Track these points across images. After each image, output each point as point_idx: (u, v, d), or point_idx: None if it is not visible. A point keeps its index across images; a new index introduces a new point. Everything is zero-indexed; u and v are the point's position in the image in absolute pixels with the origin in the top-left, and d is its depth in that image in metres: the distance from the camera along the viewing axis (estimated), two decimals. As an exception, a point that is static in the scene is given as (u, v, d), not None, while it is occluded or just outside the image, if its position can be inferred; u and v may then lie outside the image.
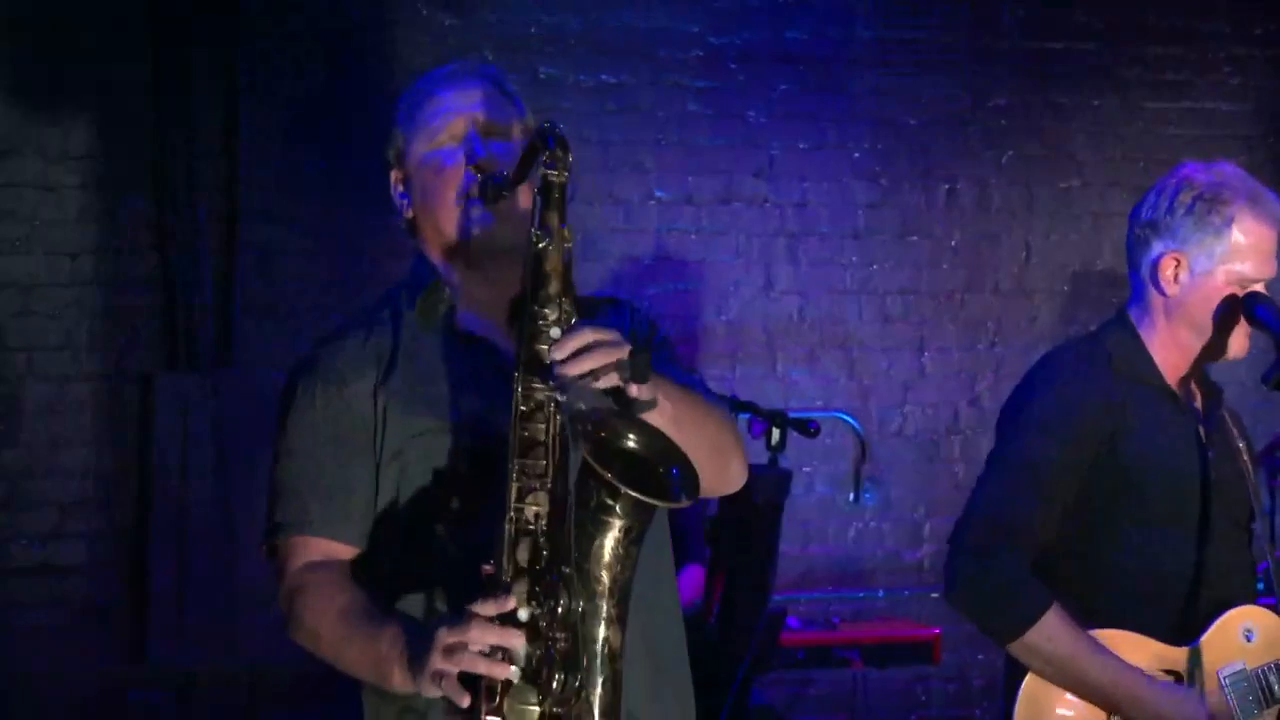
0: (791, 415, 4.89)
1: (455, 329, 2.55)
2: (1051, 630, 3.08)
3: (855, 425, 5.74)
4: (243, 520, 5.24)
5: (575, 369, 2.25)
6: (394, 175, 2.63)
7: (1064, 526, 3.18)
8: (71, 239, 5.38)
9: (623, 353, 2.28)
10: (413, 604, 2.46)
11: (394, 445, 2.49)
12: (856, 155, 6.20)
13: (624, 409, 2.31)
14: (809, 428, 4.83)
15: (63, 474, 5.39)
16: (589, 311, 2.47)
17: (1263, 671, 3.21)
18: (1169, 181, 3.27)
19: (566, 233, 2.36)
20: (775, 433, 4.80)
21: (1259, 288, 3.22)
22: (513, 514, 2.29)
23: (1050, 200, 6.38)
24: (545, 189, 2.36)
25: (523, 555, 2.28)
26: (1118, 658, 3.11)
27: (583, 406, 2.28)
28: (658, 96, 5.96)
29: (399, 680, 2.32)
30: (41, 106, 5.35)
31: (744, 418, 4.87)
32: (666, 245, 5.93)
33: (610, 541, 2.25)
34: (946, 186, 6.30)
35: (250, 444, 5.26)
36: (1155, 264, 3.24)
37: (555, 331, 2.31)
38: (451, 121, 2.55)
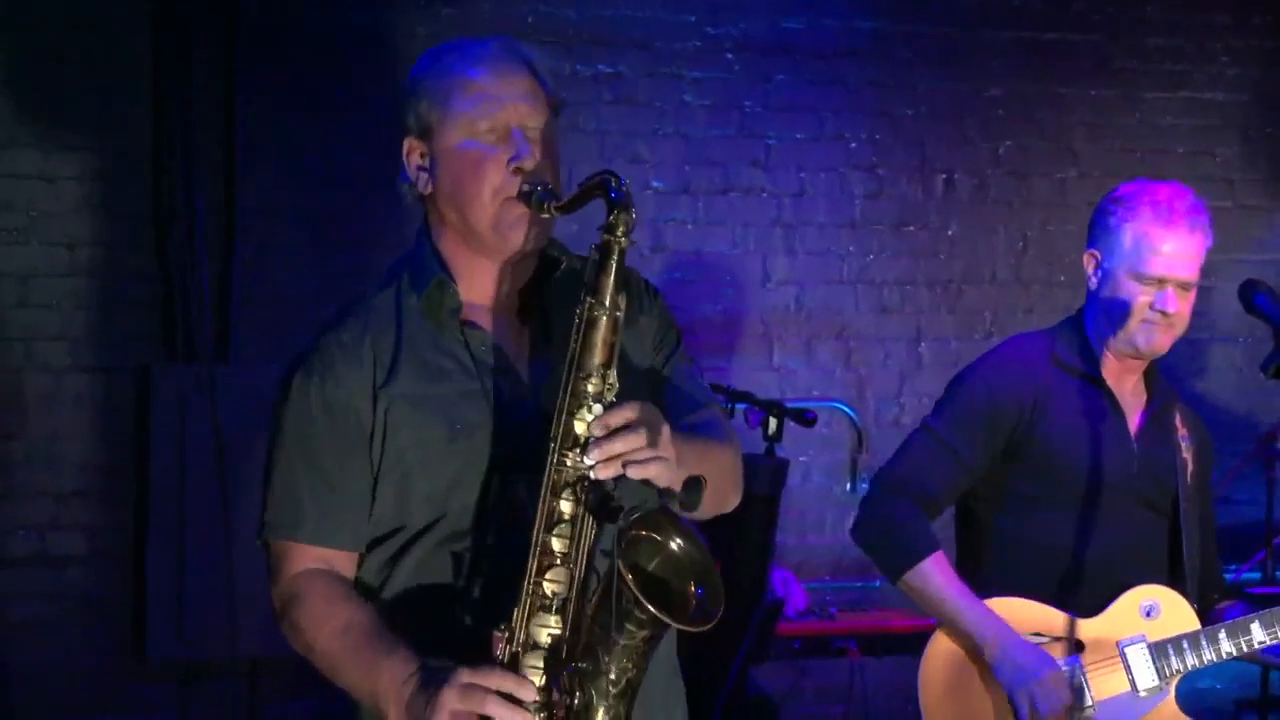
0: (788, 405, 4.89)
1: (463, 329, 2.49)
2: (927, 574, 3.48)
3: (852, 415, 5.75)
4: (240, 513, 5.23)
5: (612, 449, 2.25)
6: (411, 143, 2.53)
7: (983, 501, 3.57)
8: (69, 230, 5.38)
9: (661, 433, 2.27)
10: (409, 622, 2.43)
11: (395, 452, 2.45)
12: (853, 146, 6.20)
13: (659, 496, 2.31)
14: (806, 417, 4.84)
15: (60, 465, 5.39)
16: (628, 291, 2.38)
17: (1161, 645, 3.48)
18: (1110, 191, 3.59)
19: (621, 301, 2.32)
20: (772, 422, 4.81)
21: (1168, 288, 3.47)
22: (530, 587, 2.27)
23: (1047, 191, 6.38)
24: (603, 253, 2.32)
25: (537, 632, 2.27)
26: (986, 608, 3.44)
27: (620, 500, 2.27)
28: (655, 87, 5.95)
29: (394, 719, 2.31)
30: (40, 98, 5.34)
31: (741, 408, 4.87)
32: (664, 235, 5.93)
33: (629, 643, 2.25)
34: (943, 177, 6.30)
35: (248, 437, 5.25)
36: (1083, 261, 3.58)
37: (596, 408, 2.29)
38: (493, 113, 2.46)
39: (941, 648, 3.53)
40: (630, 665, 2.26)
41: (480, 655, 2.29)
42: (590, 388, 2.29)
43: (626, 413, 2.27)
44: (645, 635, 2.24)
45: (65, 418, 5.38)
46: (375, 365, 2.46)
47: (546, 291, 2.53)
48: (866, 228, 6.21)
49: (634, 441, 2.25)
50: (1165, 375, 3.70)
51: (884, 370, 6.22)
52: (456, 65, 2.50)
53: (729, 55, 6.06)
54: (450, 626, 2.41)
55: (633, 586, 2.18)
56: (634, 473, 2.25)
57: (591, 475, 2.27)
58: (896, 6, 6.23)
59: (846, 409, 5.80)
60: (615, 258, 2.31)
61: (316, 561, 2.46)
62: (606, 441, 2.25)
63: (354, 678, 2.38)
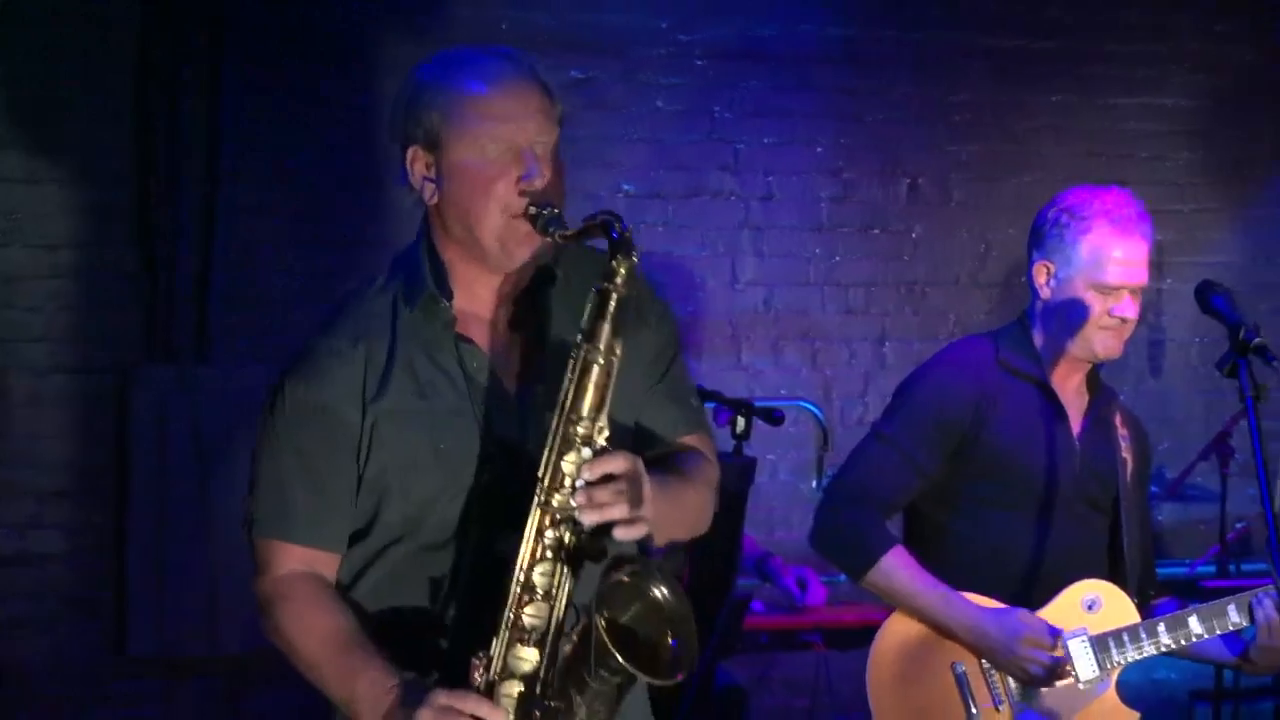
0: (756, 404, 4.93)
1: (458, 343, 2.53)
2: (889, 570, 3.55)
3: (818, 414, 5.80)
4: (220, 512, 5.24)
5: (598, 497, 2.30)
6: (415, 153, 2.51)
7: (931, 503, 3.63)
8: (51, 232, 5.36)
9: (644, 491, 2.33)
10: (379, 624, 2.50)
11: (378, 466, 2.50)
12: (820, 150, 6.24)
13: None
14: (773, 416, 4.86)
15: (42, 464, 5.39)
16: (640, 308, 2.48)
17: (1102, 638, 3.55)
18: (1054, 200, 3.64)
19: (617, 346, 2.36)
20: (740, 421, 4.83)
21: (1124, 294, 3.55)
22: (510, 618, 2.34)
23: (1010, 194, 6.41)
24: (601, 299, 2.36)
25: (514, 663, 2.34)
26: (953, 593, 3.52)
27: (604, 542, 2.33)
28: (626, 92, 5.99)
29: None
30: (23, 99, 5.33)
31: (710, 406, 4.92)
32: (634, 238, 5.98)
33: (602, 689, 2.31)
34: (908, 181, 6.36)
35: (228, 437, 5.25)
36: (1031, 270, 3.63)
37: (585, 451, 2.33)
38: (505, 132, 2.46)
39: (889, 641, 3.60)
40: (601, 708, 2.32)
41: (454, 674, 2.37)
42: (580, 431, 2.34)
43: (615, 463, 2.32)
44: (618, 682, 2.30)
45: (47, 418, 5.38)
46: (367, 372, 2.51)
47: (542, 302, 2.57)
48: (833, 231, 6.25)
49: (619, 496, 2.31)
50: (1123, 375, 3.77)
51: (849, 370, 6.27)
52: (467, 80, 2.48)
53: (699, 61, 6.10)
54: (419, 633, 2.49)
55: (607, 638, 2.23)
56: (619, 534, 2.32)
57: (576, 517, 2.32)
58: (865, 13, 6.27)
59: (813, 408, 5.85)
60: (613, 306, 2.36)
61: (301, 562, 2.52)
62: (593, 490, 2.31)
63: (332, 682, 2.46)
